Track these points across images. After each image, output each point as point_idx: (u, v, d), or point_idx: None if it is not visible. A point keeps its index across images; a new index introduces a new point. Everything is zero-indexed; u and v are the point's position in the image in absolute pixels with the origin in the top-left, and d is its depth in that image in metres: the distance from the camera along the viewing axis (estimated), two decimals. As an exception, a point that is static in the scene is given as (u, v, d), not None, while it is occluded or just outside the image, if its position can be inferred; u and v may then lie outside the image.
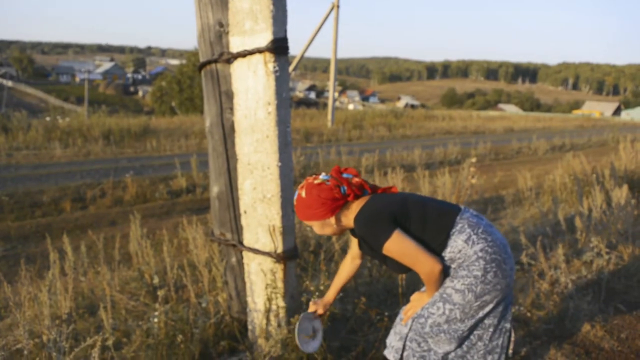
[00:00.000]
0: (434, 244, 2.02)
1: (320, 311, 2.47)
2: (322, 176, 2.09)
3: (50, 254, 3.63)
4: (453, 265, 2.02)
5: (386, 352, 2.25)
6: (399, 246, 1.96)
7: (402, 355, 2.17)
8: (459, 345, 2.08)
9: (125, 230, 6.52)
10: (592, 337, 3.23)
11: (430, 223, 2.03)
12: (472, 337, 2.09)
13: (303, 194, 2.06)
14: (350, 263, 2.45)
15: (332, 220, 2.08)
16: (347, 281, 2.49)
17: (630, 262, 4.34)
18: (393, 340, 2.23)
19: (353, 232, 2.27)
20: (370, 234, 2.00)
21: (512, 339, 2.16)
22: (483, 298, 1.98)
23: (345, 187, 2.06)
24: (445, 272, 2.03)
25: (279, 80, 2.58)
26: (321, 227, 2.13)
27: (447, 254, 2.02)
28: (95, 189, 9.55)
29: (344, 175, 2.12)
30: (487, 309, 2.02)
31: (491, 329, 2.08)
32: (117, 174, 10.64)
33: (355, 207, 2.10)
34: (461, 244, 1.99)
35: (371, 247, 2.09)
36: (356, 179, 2.14)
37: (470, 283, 1.97)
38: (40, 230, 7.22)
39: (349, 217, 2.11)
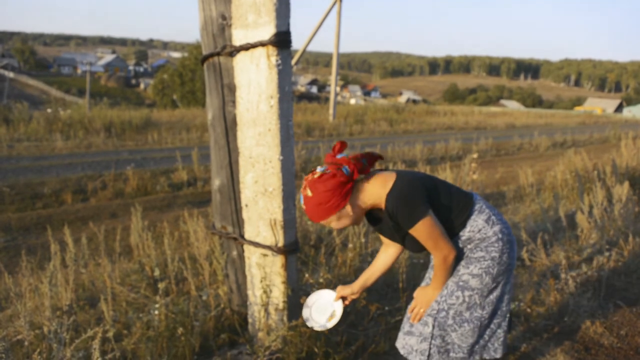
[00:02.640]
0: (457, 222, 2.00)
1: (343, 293, 2.28)
2: (319, 169, 1.95)
3: (51, 246, 3.64)
4: (469, 246, 2.02)
5: (410, 357, 2.13)
6: (428, 229, 1.90)
7: (428, 355, 2.09)
8: (481, 336, 2.08)
9: (126, 222, 6.53)
10: (592, 334, 3.23)
11: (455, 202, 2.02)
12: (492, 325, 2.10)
13: (309, 192, 1.92)
14: (384, 253, 2.28)
15: (348, 207, 1.95)
16: (380, 273, 2.30)
17: (630, 259, 4.34)
18: (414, 344, 2.12)
19: (369, 216, 2.15)
20: (404, 213, 1.89)
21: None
22: (498, 279, 2.02)
23: (346, 166, 1.92)
24: (458, 256, 2.04)
25: (282, 74, 2.57)
26: (338, 220, 1.97)
27: (466, 233, 2.01)
28: (96, 181, 9.55)
29: (339, 157, 1.98)
30: (499, 290, 2.05)
31: (507, 315, 2.12)
32: (118, 167, 10.65)
33: (369, 186, 1.97)
34: (482, 224, 2.00)
35: (396, 225, 1.98)
36: (352, 155, 1.99)
37: (487, 266, 1.99)
38: (41, 222, 7.23)
39: (363, 199, 1.97)
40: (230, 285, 3.26)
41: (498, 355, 2.14)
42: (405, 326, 2.20)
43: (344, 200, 1.91)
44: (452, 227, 2.01)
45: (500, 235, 1.99)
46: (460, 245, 2.03)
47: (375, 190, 1.96)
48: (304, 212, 2.03)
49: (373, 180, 1.98)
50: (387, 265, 2.29)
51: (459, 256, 2.05)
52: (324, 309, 2.28)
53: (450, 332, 2.05)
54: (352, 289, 2.27)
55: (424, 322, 2.11)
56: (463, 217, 2.00)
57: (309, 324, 2.25)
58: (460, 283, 2.03)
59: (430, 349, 2.08)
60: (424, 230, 1.90)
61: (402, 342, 2.18)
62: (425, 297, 2.13)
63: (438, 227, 1.93)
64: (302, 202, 1.98)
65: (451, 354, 2.08)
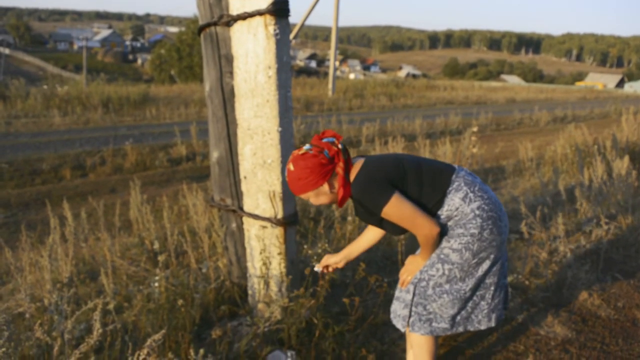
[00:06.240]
0: (431, 203, 2.02)
1: (327, 262, 2.39)
2: (305, 147, 2.04)
3: (50, 221, 3.64)
4: (450, 223, 2.03)
5: (394, 322, 2.25)
6: (397, 210, 1.95)
7: (408, 322, 2.17)
8: (463, 307, 2.11)
9: (126, 197, 6.53)
10: (589, 306, 3.26)
11: (427, 182, 2.02)
12: (475, 297, 2.12)
13: (291, 167, 2.00)
14: (371, 231, 2.37)
15: (326, 187, 2.02)
16: (363, 249, 2.40)
17: (628, 233, 4.35)
18: (398, 309, 2.23)
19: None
20: (368, 199, 1.98)
21: (509, 293, 2.20)
22: (480, 255, 2.01)
23: (327, 151, 2.00)
24: (442, 232, 2.04)
25: (280, 44, 2.53)
26: (316, 197, 2.06)
27: (444, 212, 2.02)
28: (94, 157, 9.53)
29: (324, 140, 2.05)
30: (485, 265, 2.04)
31: (492, 288, 2.11)
32: (117, 142, 10.61)
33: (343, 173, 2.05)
34: (458, 202, 2.00)
35: (369, 212, 2.07)
36: (337, 141, 2.06)
37: (467, 242, 1.99)
38: (41, 198, 7.24)
39: (337, 184, 2.05)
40: (230, 257, 3.27)
41: (482, 327, 2.16)
42: (396, 292, 2.29)
43: (322, 179, 1.99)
44: (428, 208, 2.02)
45: (478, 212, 1.98)
46: (443, 222, 2.04)
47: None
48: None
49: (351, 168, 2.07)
50: (371, 243, 2.39)
51: (443, 231, 2.05)
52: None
53: (430, 302, 2.10)
54: (336, 258, 2.39)
55: (407, 290, 2.18)
56: (437, 198, 2.01)
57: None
58: (442, 256, 2.05)
59: (410, 316, 2.15)
60: (393, 212, 1.95)
61: (392, 307, 2.29)
62: (413, 265, 2.18)
63: (409, 206, 1.95)
64: (285, 174, 2.06)
65: (433, 324, 2.13)
